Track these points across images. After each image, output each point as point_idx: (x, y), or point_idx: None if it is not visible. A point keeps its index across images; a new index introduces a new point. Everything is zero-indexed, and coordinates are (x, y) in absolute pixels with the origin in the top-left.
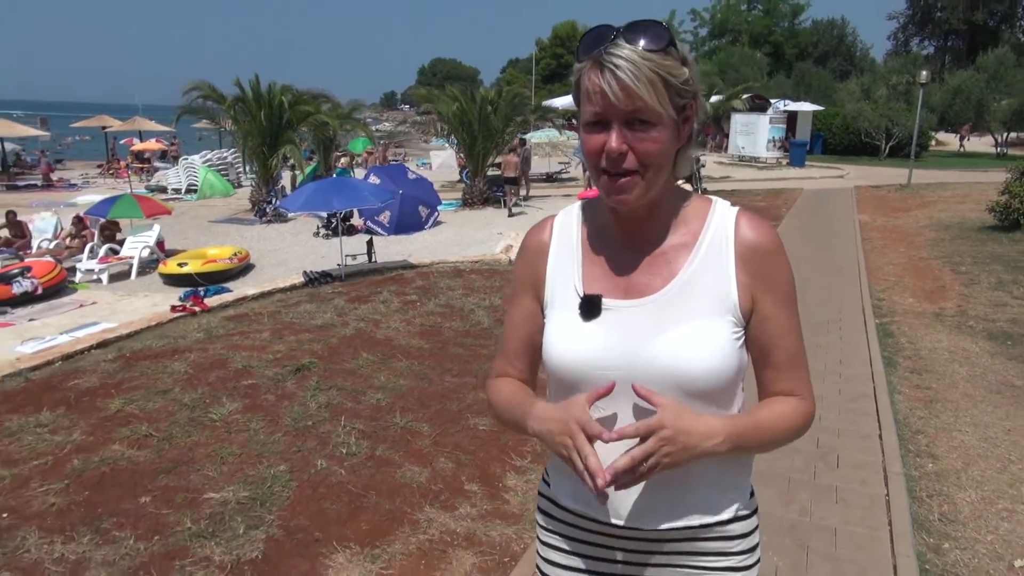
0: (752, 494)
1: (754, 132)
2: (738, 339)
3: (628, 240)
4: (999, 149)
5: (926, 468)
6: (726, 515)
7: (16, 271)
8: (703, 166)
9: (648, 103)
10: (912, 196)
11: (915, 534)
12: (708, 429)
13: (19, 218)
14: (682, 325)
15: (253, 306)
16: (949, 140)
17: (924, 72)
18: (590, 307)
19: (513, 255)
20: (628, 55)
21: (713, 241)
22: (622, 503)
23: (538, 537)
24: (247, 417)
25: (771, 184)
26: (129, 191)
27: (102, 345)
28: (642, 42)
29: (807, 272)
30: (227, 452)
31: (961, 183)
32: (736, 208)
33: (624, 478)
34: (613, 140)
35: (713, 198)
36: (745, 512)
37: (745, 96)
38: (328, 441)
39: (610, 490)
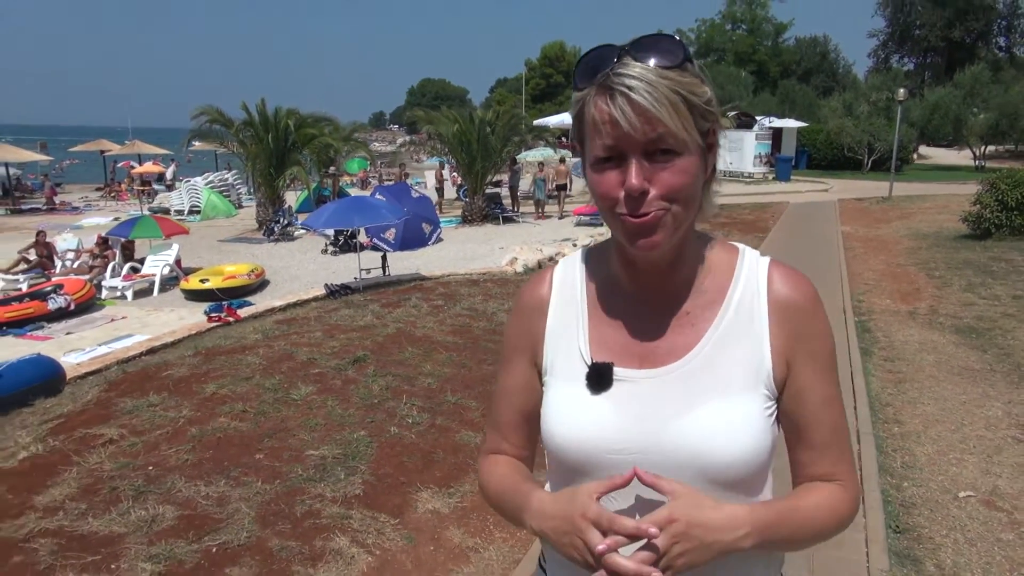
0: None
1: (740, 148)
2: (771, 415)
3: (643, 296)
4: (977, 162)
5: (892, 431)
6: None
7: (50, 288)
8: None
9: (671, 128)
10: (893, 208)
11: (880, 476)
12: (730, 520)
13: (46, 239)
14: (711, 402)
15: (298, 312)
16: (930, 153)
17: (902, 90)
18: (599, 378)
19: (518, 268)
20: (641, 74)
21: (743, 298)
22: None
23: None
24: (322, 397)
25: (758, 198)
26: (147, 213)
27: (150, 352)
28: (654, 59)
29: None
30: (314, 423)
31: (940, 195)
32: (767, 258)
33: None
34: (633, 176)
35: (739, 246)
36: None
37: (731, 114)
38: (395, 414)
39: None
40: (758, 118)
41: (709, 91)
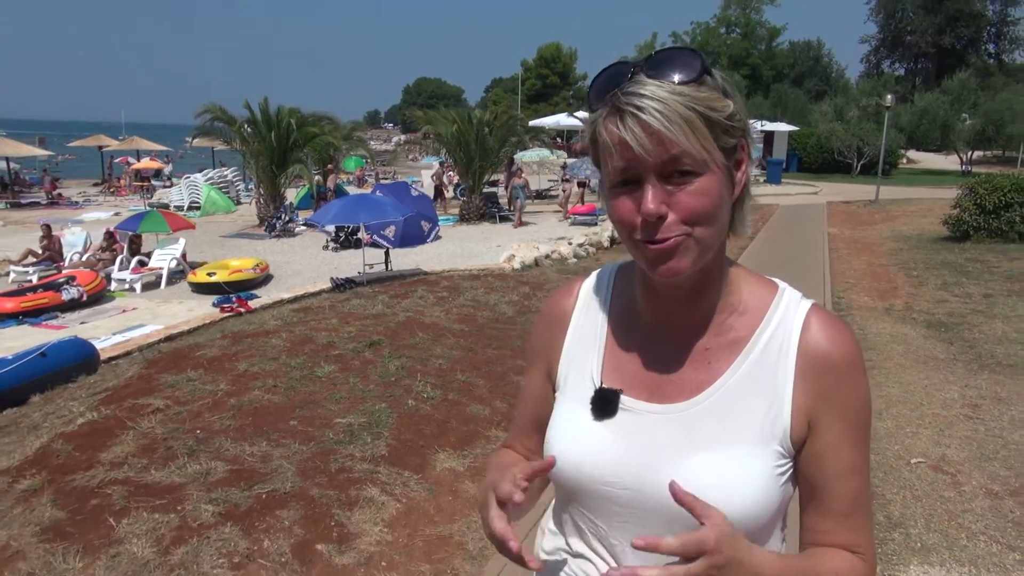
0: None
1: None
2: (784, 474)
3: (662, 326)
4: (964, 167)
5: None
6: None
7: (63, 280)
8: None
9: (687, 148)
10: (879, 211)
11: None
12: (761, 567)
13: (52, 232)
14: (715, 450)
15: (311, 302)
16: (919, 158)
17: (889, 96)
18: (604, 403)
19: (516, 264)
20: (653, 92)
21: (772, 343)
22: None
23: None
24: (344, 375)
25: None
26: (150, 208)
27: (168, 339)
28: (668, 74)
29: (776, 276)
30: (338, 396)
31: (925, 199)
32: (809, 302)
33: None
34: (649, 201)
35: (780, 284)
36: None
37: None
38: (411, 390)
39: None
40: (750, 121)
41: (732, 105)
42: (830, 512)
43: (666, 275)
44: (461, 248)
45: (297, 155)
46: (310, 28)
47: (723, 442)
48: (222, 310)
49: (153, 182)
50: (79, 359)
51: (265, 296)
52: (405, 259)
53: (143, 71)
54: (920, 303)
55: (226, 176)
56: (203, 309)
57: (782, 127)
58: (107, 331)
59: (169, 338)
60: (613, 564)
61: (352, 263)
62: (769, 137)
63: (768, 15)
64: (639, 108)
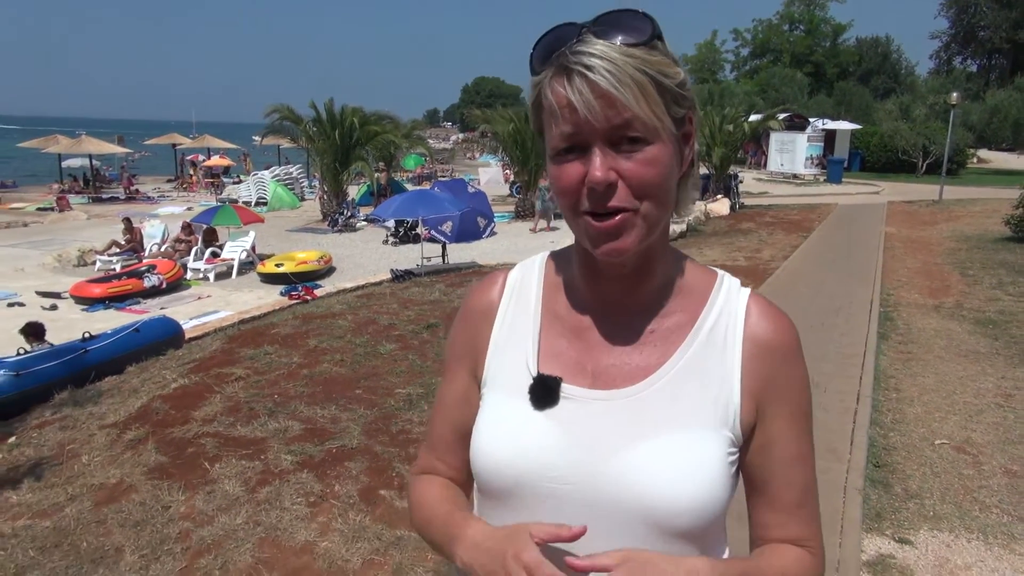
0: None
1: (792, 150)
2: (733, 463)
3: (604, 308)
4: None
5: (890, 396)
6: None
7: (144, 268)
8: (741, 182)
9: (638, 112)
10: (942, 211)
11: (871, 428)
12: (694, 570)
13: (133, 225)
14: (665, 435)
15: (373, 289)
16: (990, 157)
17: (955, 94)
18: (544, 392)
19: None
20: (603, 52)
21: (716, 327)
22: None
23: None
24: (404, 352)
25: (807, 200)
26: (223, 202)
27: (243, 323)
28: (619, 36)
29: (827, 272)
30: (399, 370)
31: (992, 199)
32: (747, 289)
33: None
34: (597, 167)
35: (718, 271)
36: None
37: (783, 116)
38: None
39: None
40: (811, 120)
41: (682, 73)
42: (779, 504)
43: (610, 254)
44: (515, 244)
45: (359, 153)
46: (372, 28)
47: (675, 427)
48: (290, 298)
49: (224, 179)
50: (168, 335)
51: (329, 286)
52: (461, 253)
53: (211, 73)
54: (971, 301)
55: (291, 173)
56: (271, 297)
57: (844, 125)
58: (184, 316)
59: (242, 322)
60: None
61: (410, 257)
62: (831, 136)
63: (833, 11)
64: (588, 67)
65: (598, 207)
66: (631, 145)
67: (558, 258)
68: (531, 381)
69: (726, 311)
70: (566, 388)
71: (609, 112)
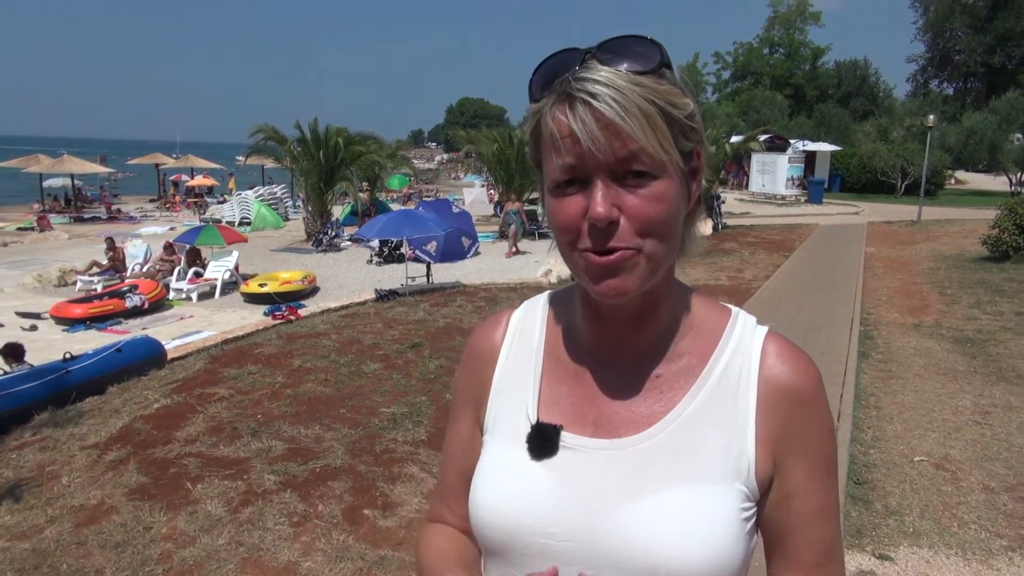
0: None
1: (773, 171)
2: (748, 519)
3: (607, 352)
4: (1013, 188)
5: (870, 413)
6: None
7: (127, 288)
8: (723, 202)
9: (644, 145)
10: (920, 231)
11: (851, 445)
12: None
13: (116, 245)
14: (671, 489)
15: (358, 309)
16: (967, 178)
17: (931, 116)
18: (542, 441)
19: (552, 279)
20: (609, 79)
21: (729, 370)
22: None
23: None
24: (388, 372)
25: (788, 220)
26: (206, 222)
27: (225, 343)
28: (625, 63)
29: (808, 291)
30: (383, 389)
31: (969, 219)
32: (764, 328)
33: None
34: (598, 202)
35: (732, 308)
36: None
37: (763, 137)
38: (449, 386)
39: None
40: (792, 141)
41: (692, 104)
42: (800, 562)
43: (610, 294)
44: (499, 263)
45: (344, 173)
46: (355, 48)
47: (681, 480)
48: (273, 318)
49: (207, 199)
50: (150, 355)
51: (313, 306)
52: (445, 273)
53: (195, 93)
54: (950, 320)
55: (275, 193)
56: (255, 317)
57: (824, 147)
58: (167, 336)
59: (226, 342)
60: None
61: (395, 276)
62: (811, 157)
63: (812, 35)
64: (592, 95)
65: (599, 246)
66: (636, 179)
67: (562, 298)
68: (529, 429)
69: (740, 352)
70: (566, 437)
71: (614, 143)
